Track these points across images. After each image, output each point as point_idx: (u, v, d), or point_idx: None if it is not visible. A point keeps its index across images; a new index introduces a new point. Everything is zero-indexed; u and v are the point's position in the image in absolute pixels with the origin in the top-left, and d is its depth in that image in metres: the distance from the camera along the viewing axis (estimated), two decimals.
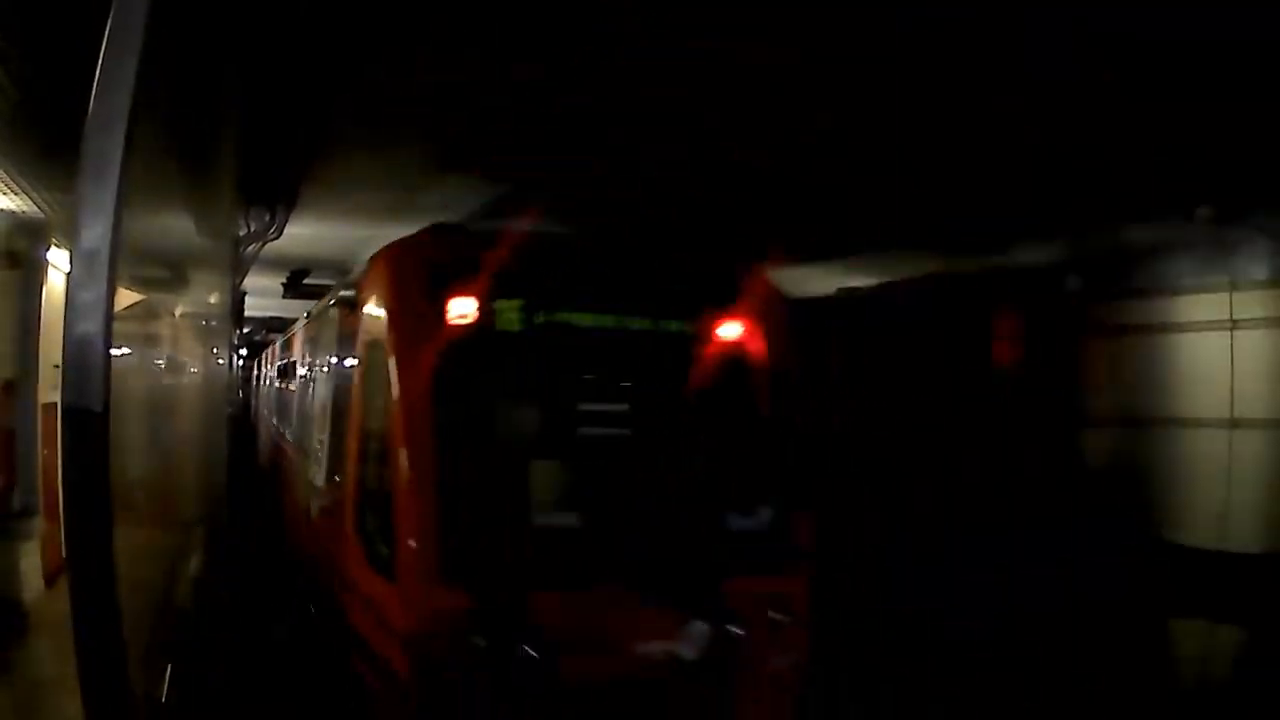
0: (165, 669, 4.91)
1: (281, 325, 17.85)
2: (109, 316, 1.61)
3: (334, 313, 8.68)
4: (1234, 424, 8.67)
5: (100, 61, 1.68)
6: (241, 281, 12.68)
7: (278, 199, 9.55)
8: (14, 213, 8.43)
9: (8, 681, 7.44)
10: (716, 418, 6.26)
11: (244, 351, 28.49)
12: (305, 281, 14.11)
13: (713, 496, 6.00)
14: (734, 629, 5.44)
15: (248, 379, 29.65)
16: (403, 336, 5.76)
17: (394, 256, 6.34)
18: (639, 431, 6.07)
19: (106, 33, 1.71)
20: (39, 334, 9.36)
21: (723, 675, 5.49)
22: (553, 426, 5.78)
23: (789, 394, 6.51)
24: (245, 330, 24.48)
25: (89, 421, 1.59)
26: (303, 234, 11.13)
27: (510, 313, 5.79)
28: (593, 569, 5.47)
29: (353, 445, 6.47)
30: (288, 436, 11.30)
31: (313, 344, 10.45)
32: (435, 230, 6.72)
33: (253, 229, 9.80)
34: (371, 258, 6.71)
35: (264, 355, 20.17)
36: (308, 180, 8.97)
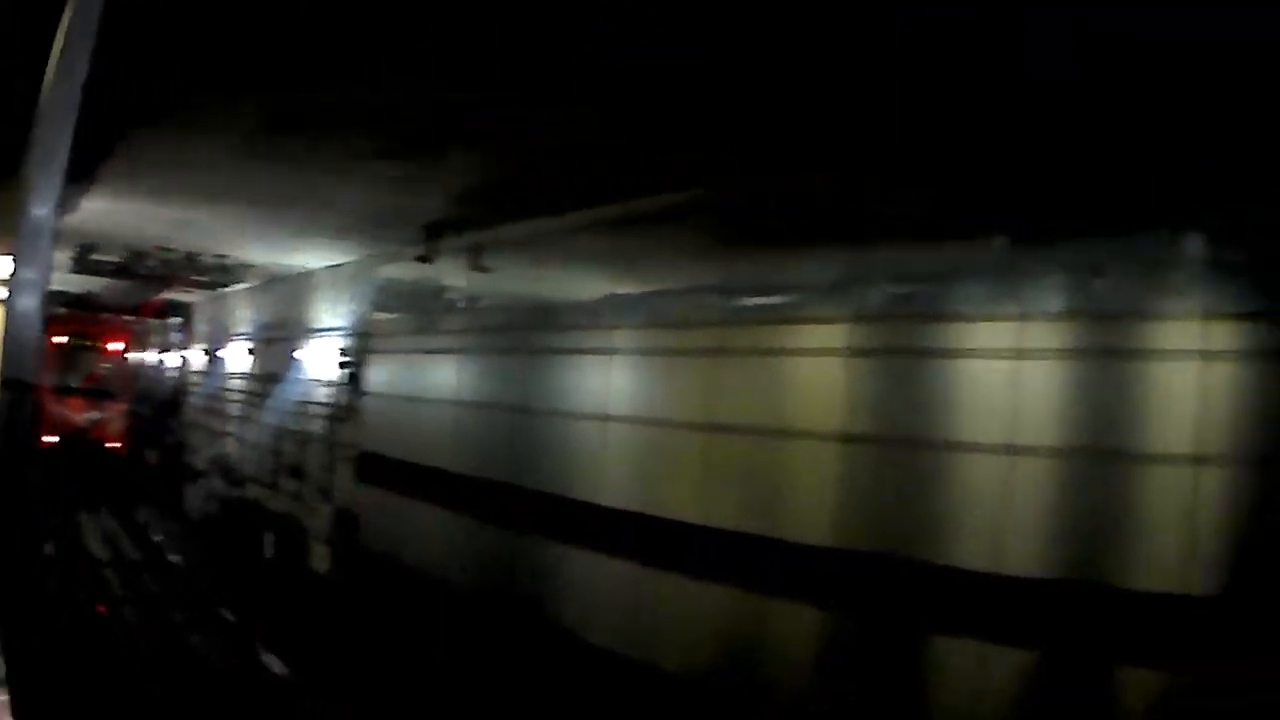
0: None
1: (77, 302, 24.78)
2: (45, 292, 1.69)
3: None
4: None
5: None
6: None
7: (73, 174, 9.05)
8: None
9: None
10: (110, 362, 24.89)
11: None
12: (94, 258, 13.31)
13: (105, 378, 24.61)
14: (104, 410, 24.12)
15: None
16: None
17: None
18: (92, 366, 24.47)
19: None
20: None
21: (101, 420, 24.02)
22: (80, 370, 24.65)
23: (125, 358, 25.58)
24: None
25: (24, 392, 1.67)
26: (97, 209, 10.64)
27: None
28: (76, 392, 23.62)
29: None
30: None
31: None
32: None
33: None
34: None
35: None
36: (108, 158, 8.60)
